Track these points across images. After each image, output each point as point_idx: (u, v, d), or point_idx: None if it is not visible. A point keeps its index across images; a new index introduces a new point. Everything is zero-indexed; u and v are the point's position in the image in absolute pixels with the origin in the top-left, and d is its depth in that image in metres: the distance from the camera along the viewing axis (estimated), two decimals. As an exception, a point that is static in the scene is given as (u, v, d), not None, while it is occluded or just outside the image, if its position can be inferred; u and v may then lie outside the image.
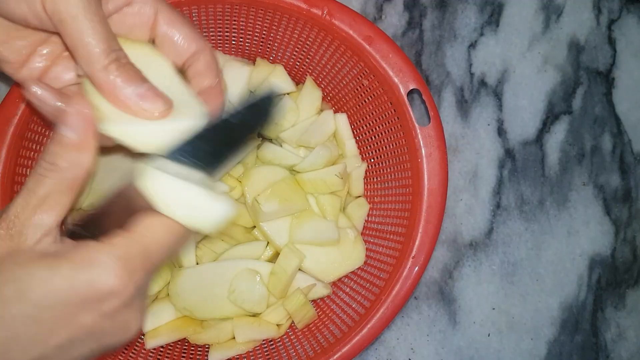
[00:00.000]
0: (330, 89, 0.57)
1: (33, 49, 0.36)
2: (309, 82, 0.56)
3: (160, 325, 0.52)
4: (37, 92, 0.34)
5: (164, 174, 0.31)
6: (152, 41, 0.37)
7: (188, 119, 0.33)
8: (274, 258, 0.55)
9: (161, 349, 0.52)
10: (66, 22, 0.31)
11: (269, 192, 0.51)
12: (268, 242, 0.54)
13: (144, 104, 0.32)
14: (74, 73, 0.37)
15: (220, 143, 0.33)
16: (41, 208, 0.30)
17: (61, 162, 0.31)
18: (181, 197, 0.32)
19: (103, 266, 0.29)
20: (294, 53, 0.55)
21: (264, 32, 0.53)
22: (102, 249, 0.30)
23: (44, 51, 0.36)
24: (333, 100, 0.57)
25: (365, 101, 0.54)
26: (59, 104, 0.34)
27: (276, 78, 0.55)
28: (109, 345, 0.32)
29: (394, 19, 0.62)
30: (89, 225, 0.33)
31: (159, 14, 0.35)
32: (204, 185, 0.32)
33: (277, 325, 0.54)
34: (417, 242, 0.49)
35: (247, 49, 0.56)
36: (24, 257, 0.29)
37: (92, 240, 0.31)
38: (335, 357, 0.48)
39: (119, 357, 0.50)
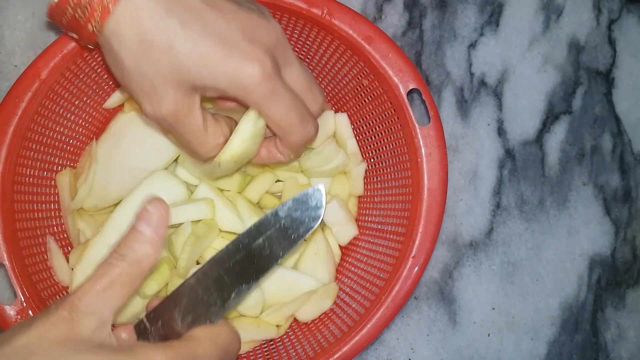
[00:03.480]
0: (330, 88, 0.57)
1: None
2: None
3: (160, 325, 0.52)
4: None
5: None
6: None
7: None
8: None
9: None
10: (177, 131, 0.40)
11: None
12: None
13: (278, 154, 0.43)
14: None
15: (270, 239, 0.38)
16: (105, 295, 0.32)
17: (132, 254, 0.33)
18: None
19: None
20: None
21: (264, 32, 0.53)
22: (157, 348, 0.32)
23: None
24: (333, 100, 0.57)
25: (365, 101, 0.54)
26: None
27: None
28: None
29: (394, 19, 0.63)
30: (153, 319, 0.37)
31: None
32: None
33: (277, 325, 0.54)
34: (417, 242, 0.49)
35: (247, 49, 0.56)
36: (83, 346, 0.31)
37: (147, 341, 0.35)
38: (335, 357, 0.48)
39: None
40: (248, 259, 0.37)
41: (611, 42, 0.65)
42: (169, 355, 0.32)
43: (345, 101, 0.56)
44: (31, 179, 0.51)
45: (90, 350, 0.31)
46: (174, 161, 0.55)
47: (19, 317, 0.47)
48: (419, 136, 0.49)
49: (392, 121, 0.52)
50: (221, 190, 0.54)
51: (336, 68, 0.54)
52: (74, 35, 0.38)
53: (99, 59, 0.50)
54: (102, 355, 0.31)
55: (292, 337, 0.53)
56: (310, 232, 0.39)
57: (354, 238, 0.56)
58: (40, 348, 0.30)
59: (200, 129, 0.40)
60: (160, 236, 0.34)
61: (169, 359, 0.32)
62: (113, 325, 0.34)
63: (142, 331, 0.37)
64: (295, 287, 0.53)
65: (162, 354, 0.32)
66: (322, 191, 0.39)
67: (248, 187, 0.55)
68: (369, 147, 0.56)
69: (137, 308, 0.50)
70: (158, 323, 0.36)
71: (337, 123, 0.56)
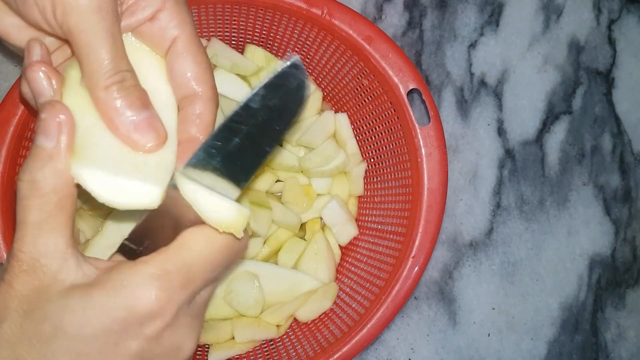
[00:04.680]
0: (330, 89, 0.57)
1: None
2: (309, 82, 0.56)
3: (160, 325, 0.52)
4: (24, 89, 0.32)
5: (195, 182, 0.31)
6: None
7: (144, 190, 0.31)
8: (270, 257, 0.55)
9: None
10: (74, 34, 0.30)
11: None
12: (265, 241, 0.54)
13: (135, 134, 0.31)
14: None
15: (244, 138, 0.31)
16: (41, 236, 0.28)
17: (40, 177, 0.29)
18: (218, 207, 0.30)
19: (137, 288, 0.28)
20: (294, 53, 0.55)
21: (263, 32, 0.53)
22: (135, 269, 0.28)
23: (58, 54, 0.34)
24: (333, 100, 0.57)
25: (365, 101, 0.54)
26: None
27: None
28: None
29: (394, 19, 0.63)
30: (137, 239, 0.32)
31: (178, 38, 0.33)
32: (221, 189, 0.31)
33: (277, 325, 0.54)
34: (417, 242, 0.49)
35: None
36: (53, 292, 0.28)
37: (131, 259, 0.30)
38: (335, 357, 0.48)
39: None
40: (228, 162, 0.31)
41: (611, 42, 0.65)
42: (154, 274, 0.28)
43: (345, 101, 0.56)
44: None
45: (60, 295, 0.28)
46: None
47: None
48: (419, 136, 0.49)
49: (392, 121, 0.52)
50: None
51: (336, 68, 0.54)
52: None
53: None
54: (75, 297, 0.28)
55: (292, 337, 0.53)
56: (296, 118, 0.32)
57: (354, 238, 0.56)
58: (8, 311, 0.28)
59: None
60: (66, 146, 0.29)
61: (155, 279, 0.28)
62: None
63: (130, 254, 0.32)
64: (295, 287, 0.53)
65: (146, 274, 0.28)
66: (300, 65, 0.30)
67: (248, 186, 0.55)
68: (369, 147, 0.56)
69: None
70: (145, 242, 0.31)
71: (337, 123, 0.56)
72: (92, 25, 0.29)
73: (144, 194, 0.31)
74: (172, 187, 0.31)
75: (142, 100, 0.32)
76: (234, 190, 0.32)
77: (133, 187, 0.31)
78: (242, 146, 0.31)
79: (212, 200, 0.31)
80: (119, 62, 0.31)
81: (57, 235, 0.29)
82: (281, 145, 0.55)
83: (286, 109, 0.31)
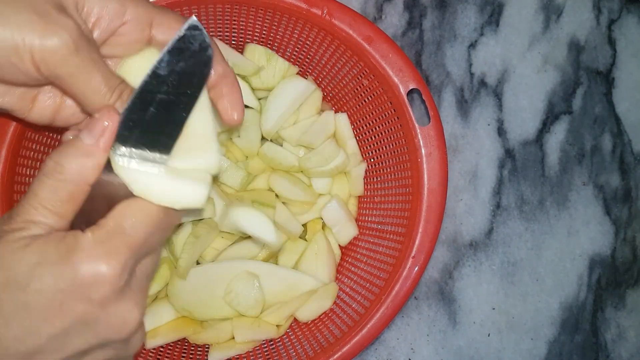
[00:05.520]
0: (330, 89, 0.57)
1: (36, 91, 0.35)
2: (309, 82, 0.56)
3: (160, 325, 0.52)
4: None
5: (128, 159, 0.32)
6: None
7: (194, 184, 0.33)
8: (270, 257, 0.55)
9: (161, 349, 0.52)
10: (65, 79, 0.31)
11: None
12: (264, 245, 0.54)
13: None
14: None
15: (158, 107, 0.32)
16: (41, 211, 0.30)
17: (67, 164, 0.30)
18: (147, 178, 0.32)
19: (85, 251, 0.29)
20: (294, 53, 0.55)
21: (263, 32, 0.53)
22: (83, 235, 0.30)
23: (48, 89, 0.35)
24: (333, 100, 0.57)
25: (365, 101, 0.54)
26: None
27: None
28: (109, 341, 0.31)
29: (394, 19, 0.62)
30: (79, 221, 0.33)
31: (154, 25, 0.34)
32: (166, 163, 0.32)
33: (277, 325, 0.54)
34: (417, 242, 0.49)
35: (247, 49, 0.56)
36: (15, 245, 0.30)
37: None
38: (335, 357, 0.48)
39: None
40: (149, 132, 0.32)
41: (611, 42, 0.65)
42: (96, 239, 0.30)
43: (345, 101, 0.56)
44: (31, 179, 0.50)
45: (19, 248, 0.29)
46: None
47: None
48: (419, 136, 0.49)
49: (392, 121, 0.52)
50: (222, 186, 0.54)
51: (336, 68, 0.54)
52: None
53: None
54: (30, 249, 0.29)
55: (292, 337, 0.53)
56: (205, 79, 0.33)
57: (354, 238, 0.56)
58: None
59: None
60: (103, 148, 0.31)
61: (98, 244, 0.30)
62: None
63: None
64: (295, 287, 0.53)
65: (89, 240, 0.30)
66: (199, 25, 0.31)
67: (249, 186, 0.55)
68: (369, 147, 0.56)
69: None
70: (81, 225, 0.32)
71: (337, 123, 0.56)
72: (78, 65, 0.31)
73: (191, 195, 0.33)
74: (105, 169, 0.32)
75: None
76: (162, 158, 0.33)
77: (181, 189, 0.33)
78: (158, 114, 0.32)
79: (167, 183, 0.32)
80: (111, 81, 0.32)
81: (56, 219, 0.31)
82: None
83: (194, 71, 0.32)
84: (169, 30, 0.35)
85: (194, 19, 0.31)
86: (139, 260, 0.32)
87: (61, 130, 0.38)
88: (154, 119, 0.32)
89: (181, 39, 0.31)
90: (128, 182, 0.32)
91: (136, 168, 0.32)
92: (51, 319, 0.29)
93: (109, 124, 0.31)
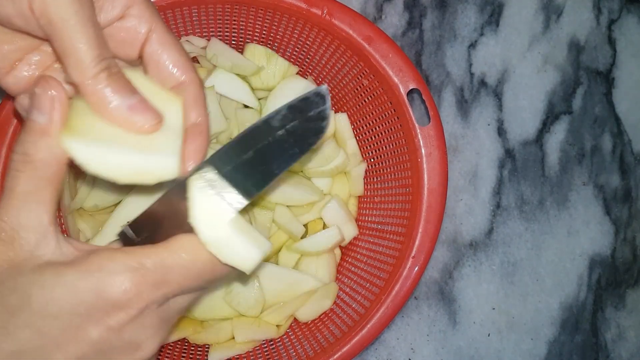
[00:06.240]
0: (330, 88, 0.57)
1: (21, 56, 0.33)
2: (310, 82, 0.56)
3: (160, 325, 0.52)
4: (24, 102, 0.33)
5: (212, 190, 0.30)
6: (139, 59, 0.35)
7: (167, 156, 0.31)
8: (270, 257, 0.55)
9: (161, 349, 0.53)
10: (56, 25, 0.29)
11: None
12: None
13: (134, 116, 0.30)
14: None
15: (257, 153, 0.31)
16: (25, 207, 0.29)
17: (33, 150, 0.29)
18: (221, 224, 0.30)
19: (109, 275, 0.28)
20: (294, 53, 0.55)
21: (263, 32, 0.53)
22: (115, 256, 0.28)
23: (34, 59, 0.34)
24: (333, 100, 0.57)
25: (365, 101, 0.54)
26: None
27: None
28: None
29: (394, 19, 0.63)
30: (138, 227, 0.31)
31: (152, 32, 0.33)
32: (243, 219, 0.31)
33: (277, 325, 0.54)
34: (417, 242, 0.49)
35: (247, 49, 0.56)
36: (26, 266, 0.28)
37: (123, 245, 0.30)
38: (335, 357, 0.48)
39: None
40: (239, 173, 0.31)
41: (611, 42, 0.65)
42: (130, 265, 0.28)
43: (345, 101, 0.56)
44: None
45: (33, 269, 0.28)
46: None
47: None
48: (419, 136, 0.49)
49: (392, 121, 0.52)
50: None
51: (336, 68, 0.54)
52: None
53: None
54: (47, 273, 0.27)
55: (292, 337, 0.53)
56: (312, 147, 0.32)
57: (354, 238, 0.56)
58: None
59: None
60: (58, 122, 0.29)
61: (129, 270, 0.28)
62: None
63: (127, 242, 0.32)
64: (295, 287, 0.53)
65: (122, 264, 0.28)
66: (326, 95, 0.31)
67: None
68: (369, 147, 0.56)
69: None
70: (144, 233, 0.31)
71: (337, 123, 0.56)
72: (74, 13, 0.29)
73: (162, 167, 0.31)
74: (183, 186, 0.31)
75: (130, 85, 0.31)
76: (241, 200, 0.31)
77: (150, 161, 0.30)
78: (254, 160, 0.31)
79: (232, 237, 0.30)
80: (103, 49, 0.30)
81: (41, 210, 0.29)
82: (297, 172, 0.55)
83: (304, 135, 0.31)
84: (162, 43, 0.33)
85: (325, 87, 0.31)
86: (172, 298, 0.30)
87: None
88: (249, 163, 0.31)
89: (304, 100, 0.31)
90: (197, 215, 0.30)
91: (211, 204, 0.30)
92: (66, 344, 0.28)
93: (56, 95, 0.29)
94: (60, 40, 0.29)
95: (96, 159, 0.30)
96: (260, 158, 0.31)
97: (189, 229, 0.30)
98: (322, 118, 0.31)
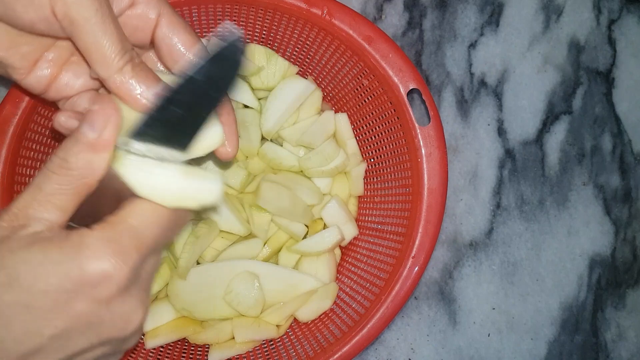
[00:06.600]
0: (330, 88, 0.57)
1: (39, 55, 0.35)
2: (310, 82, 0.56)
3: (160, 325, 0.52)
4: (63, 120, 0.34)
5: (137, 157, 0.31)
6: (151, 43, 0.36)
7: (207, 181, 0.32)
8: (270, 257, 0.55)
9: (161, 349, 0.52)
10: (78, 24, 0.31)
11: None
12: (266, 242, 0.54)
13: None
14: (83, 79, 0.36)
15: (189, 107, 0.32)
16: (45, 206, 0.30)
17: (73, 160, 0.30)
18: (160, 179, 0.31)
19: (92, 249, 0.29)
20: (294, 53, 0.55)
21: (263, 32, 0.53)
22: (90, 233, 0.29)
23: (50, 56, 0.35)
24: (333, 100, 0.57)
25: (365, 101, 0.54)
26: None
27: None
28: (110, 339, 0.31)
29: (394, 19, 0.63)
30: (81, 217, 0.32)
31: (161, 16, 0.35)
32: (183, 162, 0.32)
33: (277, 325, 0.54)
34: (417, 242, 0.49)
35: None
36: (16, 244, 0.29)
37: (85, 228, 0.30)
38: (335, 357, 0.48)
39: (119, 357, 0.50)
40: (169, 131, 0.32)
41: (611, 42, 0.65)
42: (105, 237, 0.29)
43: (345, 101, 0.56)
44: (31, 179, 0.51)
45: (21, 247, 0.29)
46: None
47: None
48: (419, 136, 0.49)
49: (392, 121, 0.52)
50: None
51: (336, 68, 0.54)
52: None
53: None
54: (33, 249, 0.28)
55: (292, 337, 0.53)
56: (233, 84, 0.32)
57: (354, 238, 0.56)
58: None
59: None
60: (107, 141, 0.30)
61: (107, 241, 0.29)
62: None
63: None
64: (295, 287, 0.53)
65: (99, 237, 0.29)
66: (238, 32, 0.30)
67: (249, 186, 0.55)
68: (369, 147, 0.56)
69: None
70: (88, 220, 0.31)
71: (337, 123, 0.56)
72: (95, 12, 0.31)
73: (207, 191, 0.32)
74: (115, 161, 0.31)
75: (153, 74, 0.33)
76: (179, 155, 0.32)
77: (196, 187, 0.32)
78: (181, 115, 0.32)
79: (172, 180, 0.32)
80: (124, 42, 0.32)
81: (58, 214, 0.30)
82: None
83: (225, 77, 0.32)
84: (172, 26, 0.35)
85: (236, 35, 0.31)
86: (146, 260, 0.32)
87: (54, 107, 0.37)
88: (176, 118, 0.32)
89: (226, 48, 0.30)
90: (137, 185, 0.31)
91: (147, 169, 0.31)
92: (54, 319, 0.29)
93: (112, 115, 0.30)
94: (85, 39, 0.31)
95: (145, 182, 0.31)
96: (188, 110, 0.32)
97: (133, 195, 0.31)
98: (240, 54, 0.31)
